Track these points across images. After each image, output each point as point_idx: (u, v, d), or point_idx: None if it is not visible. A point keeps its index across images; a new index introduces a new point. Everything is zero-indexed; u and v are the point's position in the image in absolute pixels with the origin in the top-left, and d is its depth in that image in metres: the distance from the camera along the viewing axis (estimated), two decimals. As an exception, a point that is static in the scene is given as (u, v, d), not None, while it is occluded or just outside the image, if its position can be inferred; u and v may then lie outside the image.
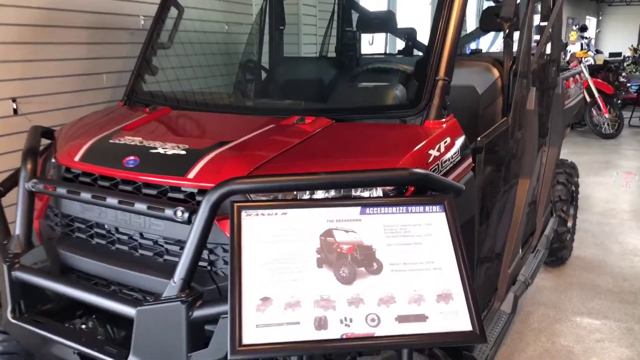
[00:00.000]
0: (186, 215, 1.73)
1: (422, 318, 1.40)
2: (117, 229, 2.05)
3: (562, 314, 3.80)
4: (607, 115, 9.77)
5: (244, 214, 1.50)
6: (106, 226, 2.08)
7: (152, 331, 1.69)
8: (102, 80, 3.67)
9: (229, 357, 1.30)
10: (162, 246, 1.94)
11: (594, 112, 9.80)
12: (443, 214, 1.56)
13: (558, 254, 4.40)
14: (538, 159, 3.39)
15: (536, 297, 4.02)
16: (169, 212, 1.76)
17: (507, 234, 2.94)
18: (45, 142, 2.48)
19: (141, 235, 1.99)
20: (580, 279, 4.33)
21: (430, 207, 1.58)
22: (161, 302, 1.67)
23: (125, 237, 2.03)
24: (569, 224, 4.50)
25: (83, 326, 2.10)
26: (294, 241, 1.48)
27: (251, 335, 1.32)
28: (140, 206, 1.82)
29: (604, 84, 9.85)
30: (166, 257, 1.94)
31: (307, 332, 1.35)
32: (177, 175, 1.88)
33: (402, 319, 1.39)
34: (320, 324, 1.37)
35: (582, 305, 3.92)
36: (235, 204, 1.51)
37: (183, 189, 1.87)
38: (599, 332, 3.58)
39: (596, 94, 9.36)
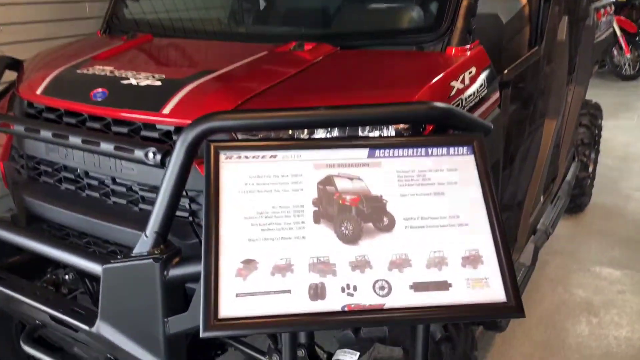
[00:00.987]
0: (159, 157, 1.50)
1: (444, 286, 1.17)
2: (86, 173, 1.84)
3: (580, 263, 3.65)
4: (628, 56, 9.37)
5: (222, 156, 1.24)
6: (77, 170, 1.86)
7: (121, 293, 1.48)
8: (85, 10, 3.41)
9: (201, 334, 1.06)
10: (137, 193, 1.73)
11: (615, 51, 9.37)
12: (471, 157, 1.29)
13: (577, 200, 4.24)
14: (564, 98, 3.11)
15: (553, 245, 3.85)
16: (139, 153, 1.53)
17: (530, 180, 2.69)
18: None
19: (113, 180, 1.78)
20: (599, 227, 4.16)
21: (456, 148, 1.31)
22: (131, 260, 1.44)
23: (96, 183, 1.83)
24: (590, 169, 4.32)
25: (66, 276, 1.95)
26: (285, 190, 1.24)
27: (230, 306, 1.10)
28: (107, 146, 1.59)
29: (627, 22, 9.38)
30: (142, 205, 1.74)
31: (300, 303, 1.13)
32: (150, 110, 1.65)
33: (418, 286, 1.17)
34: (317, 292, 1.15)
35: (602, 255, 3.77)
36: (212, 144, 1.24)
37: (157, 126, 1.65)
38: (619, 283, 3.42)
39: (618, 33, 8.91)
